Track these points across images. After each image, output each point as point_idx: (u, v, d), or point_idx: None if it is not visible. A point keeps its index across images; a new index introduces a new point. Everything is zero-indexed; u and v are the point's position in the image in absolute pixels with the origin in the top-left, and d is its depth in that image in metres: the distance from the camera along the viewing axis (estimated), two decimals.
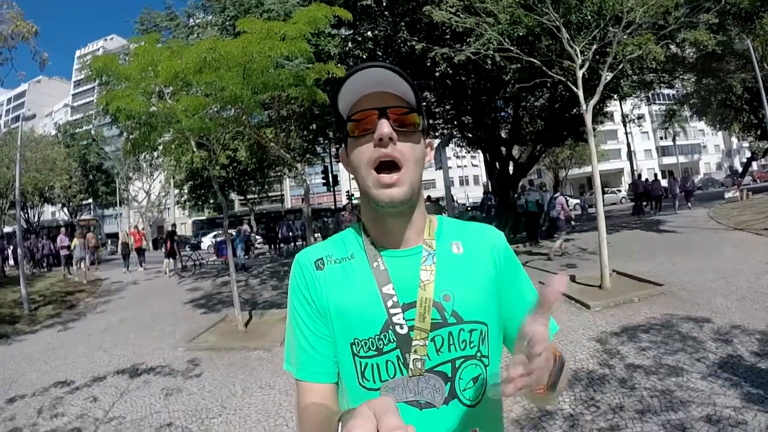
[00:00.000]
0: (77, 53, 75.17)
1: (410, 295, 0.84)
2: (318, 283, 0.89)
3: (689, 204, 17.44)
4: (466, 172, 60.42)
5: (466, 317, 0.84)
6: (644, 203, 18.69)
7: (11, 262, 18.63)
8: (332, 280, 0.88)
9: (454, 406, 0.82)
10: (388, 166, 0.82)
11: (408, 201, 0.83)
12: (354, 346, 0.84)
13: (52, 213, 44.16)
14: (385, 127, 0.80)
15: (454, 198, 21.49)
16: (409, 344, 0.82)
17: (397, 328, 0.82)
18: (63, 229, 17.21)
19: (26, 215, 28.82)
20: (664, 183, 19.10)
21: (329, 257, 0.92)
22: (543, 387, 0.67)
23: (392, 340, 0.82)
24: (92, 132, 37.08)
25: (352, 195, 36.18)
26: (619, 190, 39.11)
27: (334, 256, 0.92)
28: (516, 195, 15.24)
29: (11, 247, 18.47)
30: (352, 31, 11.21)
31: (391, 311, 0.83)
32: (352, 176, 0.90)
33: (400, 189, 0.81)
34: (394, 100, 0.84)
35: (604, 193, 18.91)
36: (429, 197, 19.13)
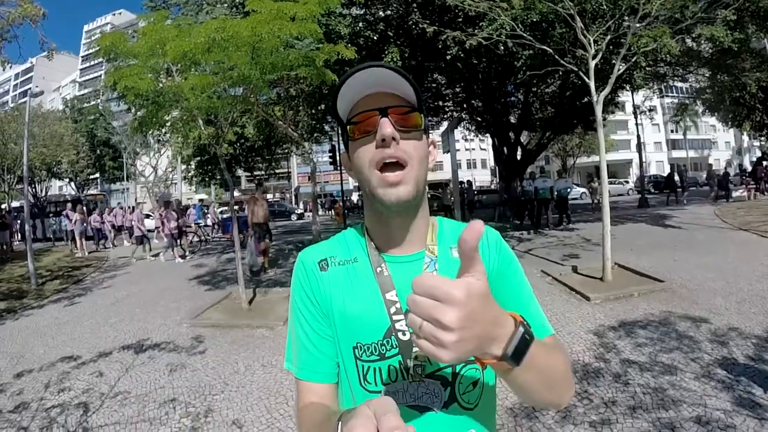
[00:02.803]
0: (85, 28, 74.93)
1: None
2: (321, 284, 0.90)
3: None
4: (474, 155, 60.01)
5: None
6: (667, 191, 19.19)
7: (18, 237, 18.91)
8: (336, 282, 0.89)
9: (453, 409, 0.84)
10: (392, 165, 0.81)
11: (413, 200, 0.82)
12: (356, 350, 0.86)
13: (59, 188, 44.38)
14: (387, 127, 0.79)
15: (464, 182, 21.35)
16: (410, 350, 0.83)
17: (400, 334, 0.84)
18: (69, 204, 17.36)
19: (33, 190, 28.97)
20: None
21: (333, 258, 0.92)
22: (496, 356, 0.62)
23: (394, 346, 0.84)
24: (100, 107, 36.96)
25: None
26: (627, 182, 38.71)
27: (337, 258, 0.92)
28: (527, 181, 15.19)
29: (18, 222, 18.66)
30: (363, 11, 11.07)
31: (394, 318, 0.84)
32: (355, 180, 0.90)
33: (405, 187, 0.80)
34: (395, 100, 0.82)
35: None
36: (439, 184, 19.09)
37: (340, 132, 0.93)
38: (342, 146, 0.95)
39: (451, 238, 0.94)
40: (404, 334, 0.83)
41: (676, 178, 19.04)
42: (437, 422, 0.84)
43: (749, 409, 3.04)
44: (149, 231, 17.10)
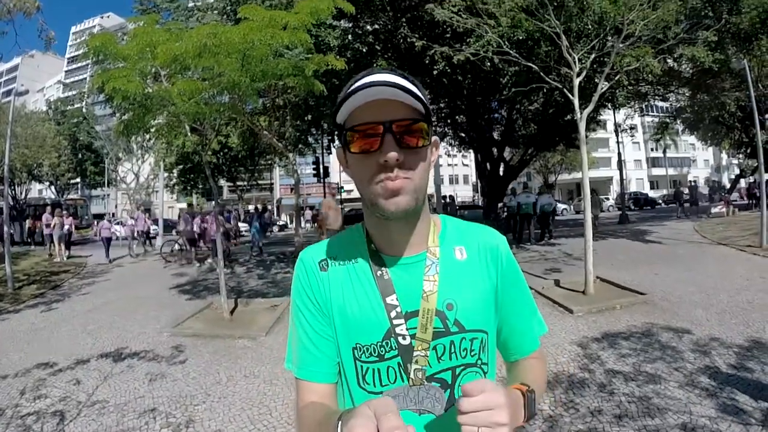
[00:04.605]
0: (72, 29, 74.27)
1: (413, 304, 0.84)
2: (322, 285, 0.89)
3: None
4: (456, 171, 60.40)
5: (468, 326, 0.85)
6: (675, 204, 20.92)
7: None
8: (336, 283, 0.89)
9: (452, 412, 0.82)
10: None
11: (414, 209, 0.80)
12: (356, 351, 0.85)
13: (39, 191, 43.49)
14: (391, 151, 0.75)
15: (446, 197, 21.52)
16: (410, 354, 0.83)
17: (400, 338, 0.83)
18: (48, 208, 16.97)
19: (13, 192, 28.30)
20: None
21: (333, 259, 0.92)
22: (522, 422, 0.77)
23: (394, 348, 0.83)
24: (83, 110, 36.54)
25: (342, 187, 36.03)
26: (608, 198, 39.43)
27: (338, 259, 0.91)
28: (509, 196, 15.36)
29: None
30: (352, 24, 11.18)
31: (394, 321, 0.84)
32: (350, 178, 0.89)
33: (404, 197, 0.77)
34: (399, 109, 0.77)
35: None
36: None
37: (337, 132, 0.90)
38: (338, 143, 0.94)
39: (454, 238, 0.93)
40: (404, 338, 0.83)
41: (685, 192, 19.93)
42: (436, 423, 0.83)
43: (734, 415, 3.09)
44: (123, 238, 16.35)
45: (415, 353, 0.83)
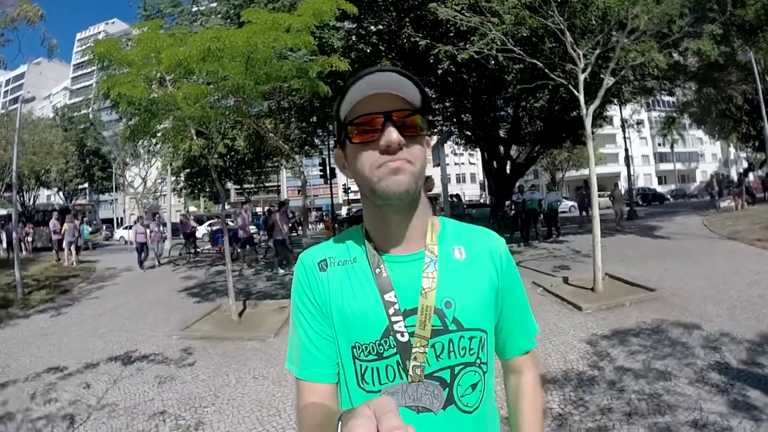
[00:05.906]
0: (78, 36, 74.95)
1: (411, 302, 0.85)
2: (321, 285, 0.90)
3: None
4: (463, 169, 60.27)
5: (466, 324, 0.85)
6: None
7: (4, 245, 18.55)
8: (335, 282, 0.89)
9: (451, 412, 0.84)
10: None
11: (412, 192, 0.81)
12: (355, 350, 0.85)
13: (47, 197, 43.93)
14: (393, 133, 0.77)
15: (453, 196, 21.49)
16: (409, 351, 0.83)
17: (398, 335, 0.83)
18: (55, 214, 17.13)
19: (21, 198, 28.61)
20: None
21: (332, 259, 0.92)
22: None
23: (392, 346, 0.83)
24: (90, 116, 36.86)
25: (349, 188, 36.08)
26: None
27: (336, 258, 0.92)
28: (516, 194, 15.33)
29: (5, 231, 18.35)
30: (356, 25, 11.19)
31: (393, 319, 0.84)
32: (351, 179, 0.89)
33: (405, 177, 0.79)
34: (397, 101, 0.81)
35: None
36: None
37: (336, 130, 0.91)
38: (336, 144, 0.95)
39: (453, 238, 0.93)
40: (403, 336, 0.83)
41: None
42: (435, 423, 0.83)
43: (745, 411, 3.06)
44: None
45: (413, 350, 0.83)
